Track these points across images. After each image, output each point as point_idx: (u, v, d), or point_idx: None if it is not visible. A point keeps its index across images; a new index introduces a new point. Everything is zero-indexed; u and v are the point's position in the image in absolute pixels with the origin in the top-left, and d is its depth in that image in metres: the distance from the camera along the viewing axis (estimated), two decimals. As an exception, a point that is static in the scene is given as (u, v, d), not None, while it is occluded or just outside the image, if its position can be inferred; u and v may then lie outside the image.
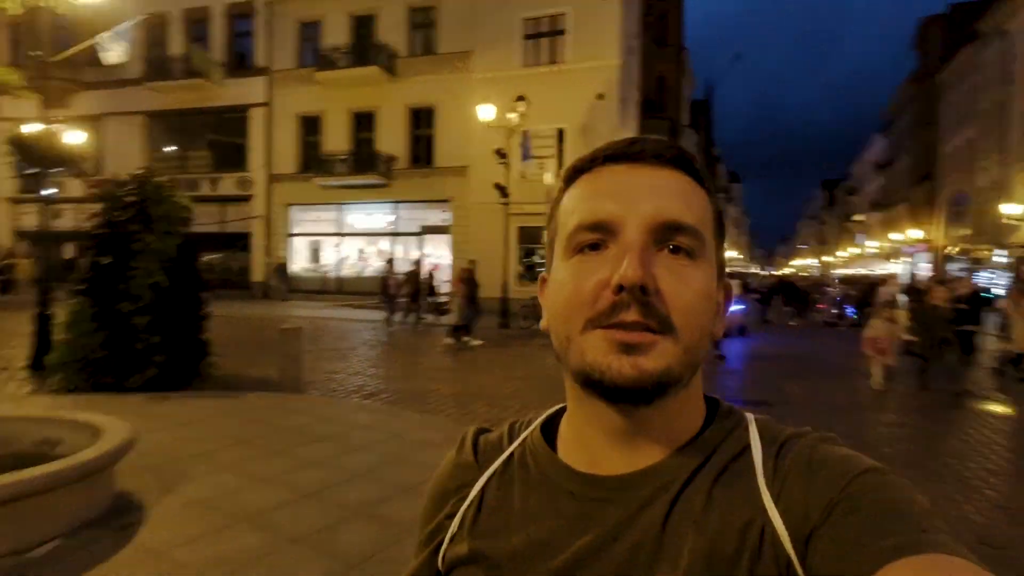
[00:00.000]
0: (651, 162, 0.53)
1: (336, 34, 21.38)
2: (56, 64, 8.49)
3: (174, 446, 4.06)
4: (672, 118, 25.45)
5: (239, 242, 23.20)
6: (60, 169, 8.13)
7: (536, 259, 19.28)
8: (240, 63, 23.35)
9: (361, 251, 22.68)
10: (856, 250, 58.68)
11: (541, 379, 8.26)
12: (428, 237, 21.33)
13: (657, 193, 0.51)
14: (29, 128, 7.68)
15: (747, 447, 0.52)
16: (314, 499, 3.41)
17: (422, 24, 20.82)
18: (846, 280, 32.11)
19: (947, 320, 8.09)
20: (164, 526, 2.85)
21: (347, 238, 22.44)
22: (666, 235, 0.50)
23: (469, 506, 0.59)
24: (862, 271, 47.09)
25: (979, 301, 9.49)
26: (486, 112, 15.73)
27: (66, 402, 5.59)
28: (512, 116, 15.10)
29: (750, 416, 0.56)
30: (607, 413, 0.52)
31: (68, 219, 22.56)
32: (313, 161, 21.60)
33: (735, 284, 13.59)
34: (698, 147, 46.03)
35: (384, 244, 22.11)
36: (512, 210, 16.18)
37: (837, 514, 0.44)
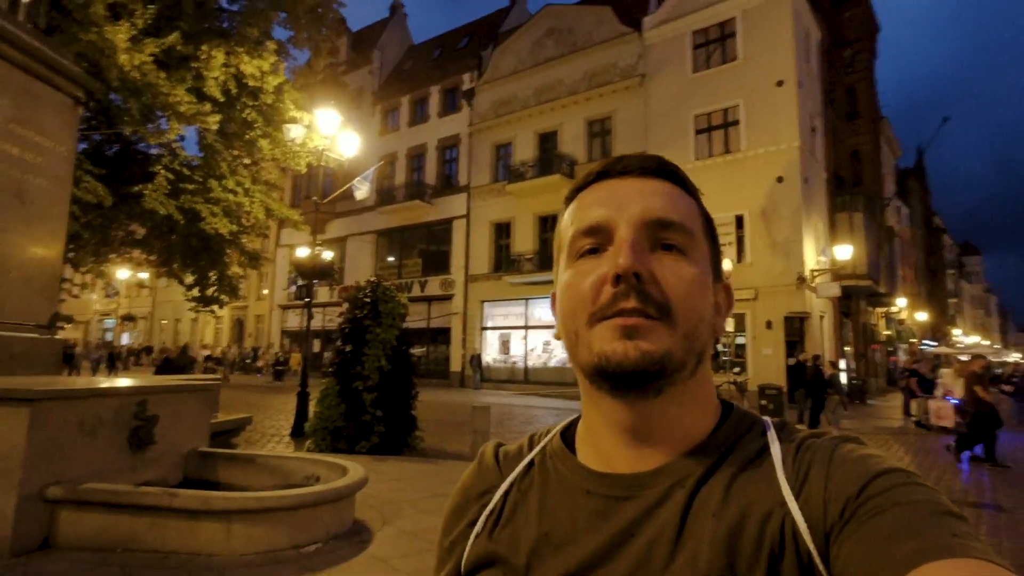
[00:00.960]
0: (637, 173, 0.58)
1: (524, 150, 24.41)
2: (321, 202, 11.38)
3: (390, 494, 5.09)
4: (869, 192, 23.39)
5: (440, 336, 26.39)
6: (321, 280, 10.68)
7: (719, 347, 18.63)
8: (447, 184, 27.72)
9: (547, 343, 24.11)
10: None
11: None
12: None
13: (644, 196, 0.56)
14: (303, 251, 10.36)
15: (765, 446, 0.54)
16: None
17: (599, 133, 22.82)
18: None
19: None
20: (387, 544, 3.76)
21: (533, 331, 24.12)
22: (656, 232, 0.54)
23: (491, 512, 0.61)
24: None
25: None
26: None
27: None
28: (685, 207, 15.53)
29: (767, 419, 0.58)
30: (617, 408, 0.54)
31: (316, 320, 28.02)
32: (504, 261, 24.15)
33: (948, 373, 11.61)
34: (911, 219, 40.72)
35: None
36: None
37: (863, 514, 0.44)
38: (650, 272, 0.52)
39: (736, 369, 17.58)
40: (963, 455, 9.10)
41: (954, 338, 49.36)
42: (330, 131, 10.95)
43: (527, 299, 23.89)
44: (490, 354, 25.07)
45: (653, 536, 0.50)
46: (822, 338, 18.34)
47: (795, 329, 17.42)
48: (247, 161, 11.96)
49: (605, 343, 0.51)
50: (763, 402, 12.86)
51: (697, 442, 0.55)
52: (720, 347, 18.54)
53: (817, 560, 0.45)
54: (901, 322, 31.77)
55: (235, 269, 12.83)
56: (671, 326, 0.51)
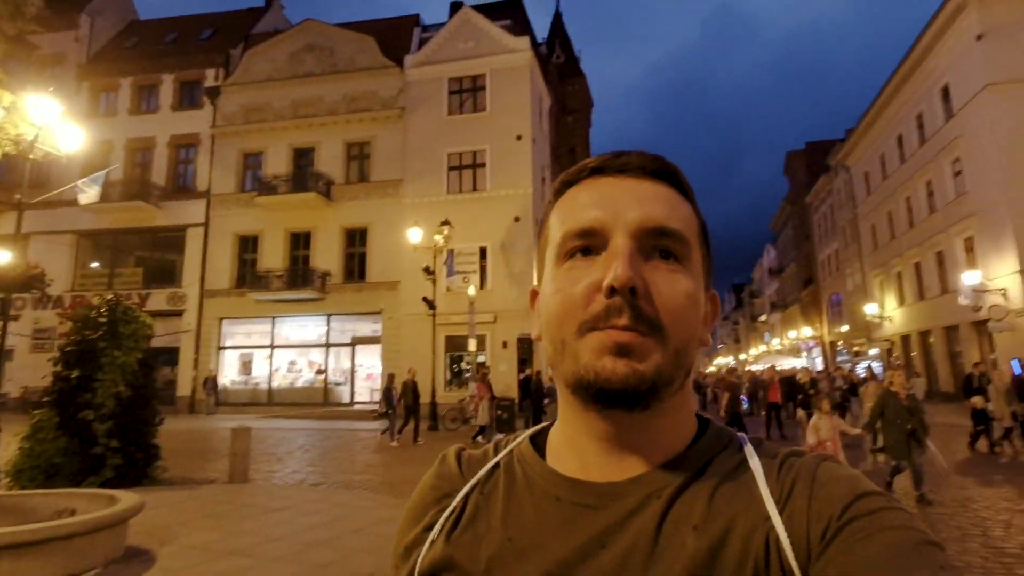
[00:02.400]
0: (636, 173, 0.55)
1: (278, 163, 23.40)
2: (28, 202, 9.62)
3: (156, 520, 4.93)
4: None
5: (165, 356, 23.20)
6: (23, 292, 8.99)
7: (463, 365, 20.64)
8: (181, 187, 24.74)
9: (292, 362, 23.24)
10: (764, 347, 63.87)
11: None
12: (359, 347, 22.34)
13: (642, 201, 0.53)
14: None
15: (744, 460, 0.53)
16: (284, 540, 4.50)
17: (357, 156, 23.31)
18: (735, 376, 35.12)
19: (911, 410, 6.93)
20: (174, 559, 3.88)
21: (279, 350, 23.01)
22: (653, 240, 0.52)
23: (450, 515, 0.57)
24: (761, 367, 51.00)
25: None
26: (415, 235, 17.72)
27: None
28: (438, 238, 17.11)
29: (742, 435, 0.57)
30: (600, 420, 0.52)
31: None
32: (249, 277, 22.61)
33: None
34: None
35: (315, 355, 22.86)
36: (439, 321, 17.72)
37: (846, 537, 0.44)
38: (645, 286, 0.50)
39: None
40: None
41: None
42: (42, 118, 9.37)
43: (274, 317, 22.77)
44: (228, 376, 23.05)
45: (626, 547, 0.48)
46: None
47: (526, 348, 20.39)
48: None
49: (594, 358, 0.49)
50: (499, 412, 14.88)
51: (675, 454, 0.53)
52: (464, 364, 20.56)
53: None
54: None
55: None
56: (662, 342, 0.50)
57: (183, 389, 22.72)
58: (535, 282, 0.62)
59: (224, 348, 23.28)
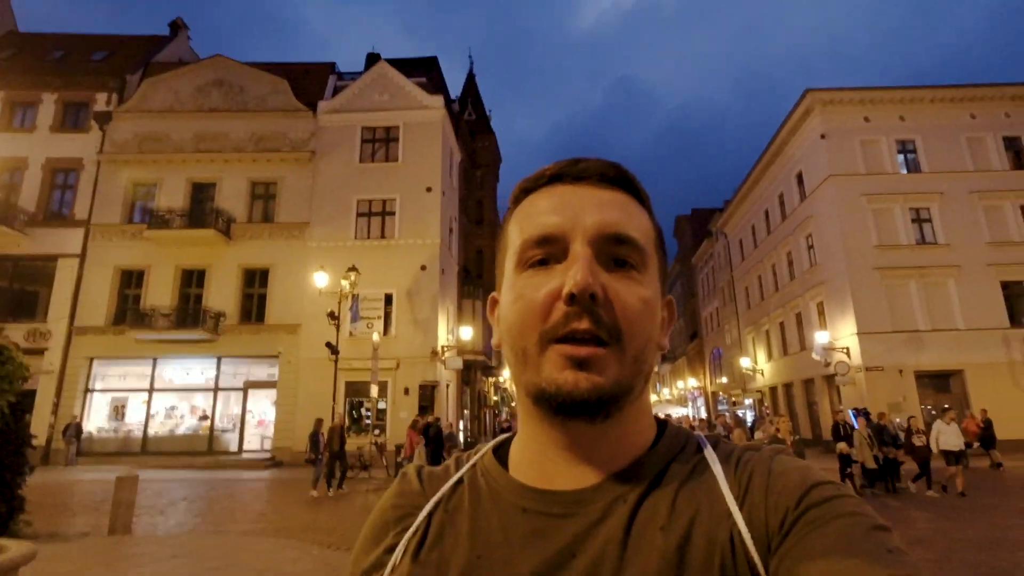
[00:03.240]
0: (594, 181, 0.56)
1: (173, 196, 22.30)
2: None
3: (45, 570, 4.71)
4: (489, 285, 29.51)
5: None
6: None
7: (363, 411, 20.30)
8: (55, 214, 22.78)
9: (172, 407, 21.57)
10: (655, 396, 67.60)
11: (358, 512, 9.39)
12: (252, 391, 21.28)
13: (601, 208, 0.54)
14: None
15: (703, 459, 0.54)
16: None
17: (262, 195, 22.82)
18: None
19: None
20: None
21: (160, 394, 21.33)
22: (611, 247, 0.53)
23: (413, 535, 0.56)
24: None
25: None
26: (321, 279, 17.60)
27: None
28: (345, 283, 17.12)
29: (699, 434, 0.59)
30: (562, 429, 0.53)
31: None
32: (131, 314, 21.01)
33: None
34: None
35: (199, 399, 21.43)
36: (341, 366, 17.49)
37: (803, 526, 0.46)
38: (604, 293, 0.50)
39: (376, 431, 19.40)
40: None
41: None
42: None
43: (156, 358, 21.18)
44: (95, 422, 20.91)
45: (597, 554, 0.49)
46: (447, 403, 21.91)
47: (427, 395, 20.47)
48: None
49: (556, 371, 0.50)
50: (399, 458, 14.85)
51: (636, 457, 0.54)
52: (364, 411, 20.22)
53: (761, 571, 0.46)
54: (505, 389, 39.62)
55: None
56: (621, 352, 0.50)
57: (38, 438, 20.24)
58: (496, 291, 0.61)
59: (93, 391, 21.19)
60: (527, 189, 0.59)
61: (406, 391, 20.17)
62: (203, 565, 5.15)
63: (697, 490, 0.52)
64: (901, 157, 23.32)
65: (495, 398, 36.57)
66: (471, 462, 0.62)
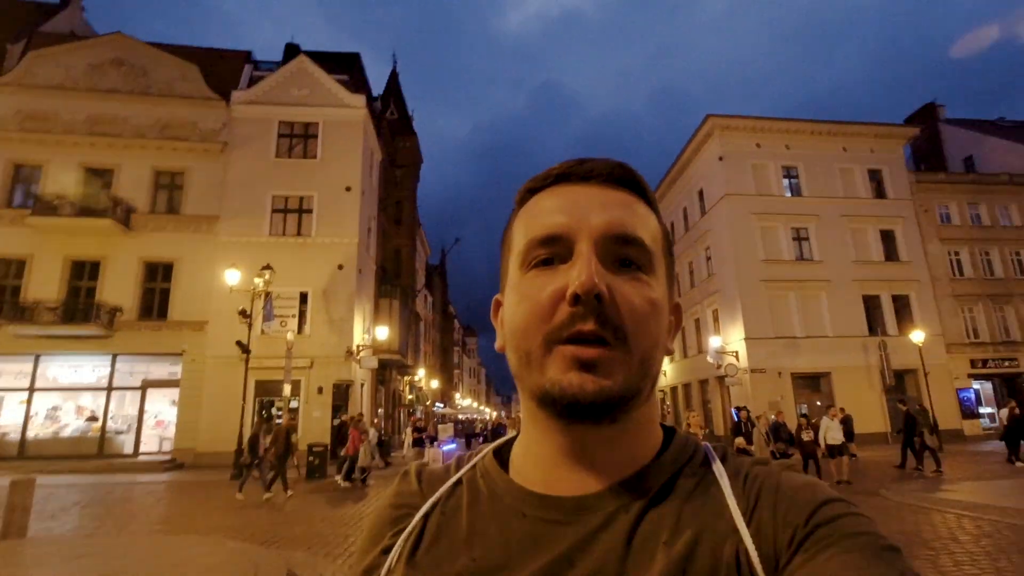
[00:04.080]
0: (601, 180, 0.55)
1: (62, 181, 20.65)
2: None
3: None
4: (405, 284, 29.57)
5: None
6: None
7: (274, 411, 19.88)
8: (-82, 193, 20.43)
9: (55, 408, 19.99)
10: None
11: (266, 511, 9.47)
12: (151, 391, 20.19)
13: (607, 208, 0.53)
14: None
15: (711, 472, 0.53)
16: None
17: (168, 185, 21.66)
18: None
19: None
20: None
21: (41, 393, 19.71)
22: (617, 248, 0.52)
23: (408, 536, 0.56)
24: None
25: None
26: (232, 276, 17.11)
27: None
28: (258, 281, 16.76)
29: (707, 444, 0.57)
30: (565, 433, 0.52)
31: None
32: (8, 307, 19.27)
33: (448, 427, 16.65)
34: (434, 307, 51.84)
35: (86, 399, 20.04)
36: (252, 364, 17.11)
37: (812, 545, 0.45)
38: (611, 293, 0.50)
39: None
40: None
41: (456, 400, 63.61)
42: None
43: (38, 354, 19.57)
44: (-39, 426, 18.98)
45: (595, 565, 0.48)
46: (362, 402, 21.86)
47: (342, 394, 20.37)
48: None
49: (560, 373, 0.49)
50: (311, 459, 14.83)
51: (642, 466, 0.53)
52: (275, 410, 19.79)
53: None
54: (420, 388, 39.64)
55: None
56: (627, 354, 0.50)
57: None
58: (499, 292, 0.60)
59: (-41, 392, 19.24)
60: (532, 189, 0.59)
61: (320, 390, 19.97)
62: (114, 564, 5.22)
63: (703, 504, 0.50)
64: (786, 181, 26.01)
65: (410, 397, 36.59)
66: (471, 463, 0.62)
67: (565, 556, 0.49)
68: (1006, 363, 25.39)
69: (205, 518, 9.43)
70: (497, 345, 0.58)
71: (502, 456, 0.60)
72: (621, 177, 0.56)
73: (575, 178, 0.56)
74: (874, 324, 24.55)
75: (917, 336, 21.83)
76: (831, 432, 12.70)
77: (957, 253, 26.43)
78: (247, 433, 14.76)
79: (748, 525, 0.48)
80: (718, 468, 0.54)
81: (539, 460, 0.55)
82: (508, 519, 0.53)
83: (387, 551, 0.56)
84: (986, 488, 10.70)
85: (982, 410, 25.06)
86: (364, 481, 13.81)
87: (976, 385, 25.29)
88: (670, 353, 0.56)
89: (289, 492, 11.83)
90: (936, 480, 12.20)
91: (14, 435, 19.10)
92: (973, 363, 25.15)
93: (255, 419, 13.00)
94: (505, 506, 0.54)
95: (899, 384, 23.56)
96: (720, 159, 25.40)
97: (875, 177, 26.53)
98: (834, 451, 12.45)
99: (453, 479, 0.60)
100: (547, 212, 0.54)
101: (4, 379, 19.63)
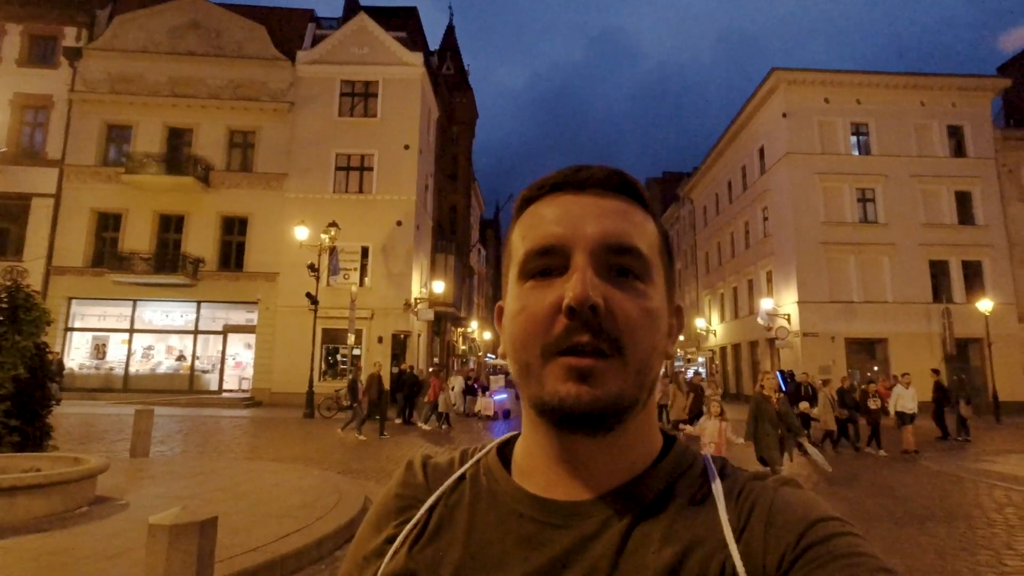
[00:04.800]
0: (596, 189, 0.55)
1: (150, 141, 22.40)
2: None
3: (102, 480, 5.90)
4: (460, 240, 30.49)
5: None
6: None
7: (339, 357, 21.55)
8: (28, 152, 22.66)
9: (149, 347, 22.40)
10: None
11: (333, 447, 10.76)
12: (231, 336, 22.24)
13: (603, 217, 0.53)
14: None
15: (707, 483, 0.53)
16: (227, 490, 5.77)
17: (241, 144, 23.08)
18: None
19: (781, 415, 7.50)
20: (142, 503, 5.05)
21: (139, 334, 22.10)
22: (613, 257, 0.52)
23: (413, 527, 0.57)
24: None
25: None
26: (301, 233, 18.42)
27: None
28: (324, 237, 17.98)
29: (706, 454, 0.58)
30: (563, 441, 0.53)
31: None
32: (108, 256, 21.48)
33: (500, 379, 17.64)
34: (487, 260, 52.91)
35: (175, 340, 22.30)
36: (318, 314, 18.58)
37: (802, 566, 0.44)
38: (606, 304, 0.50)
39: (350, 376, 20.66)
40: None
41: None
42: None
43: (135, 300, 21.85)
44: (76, 359, 21.66)
45: (587, 570, 0.49)
46: (418, 351, 23.28)
47: (400, 343, 21.79)
48: None
49: (558, 383, 0.50)
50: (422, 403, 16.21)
51: (638, 473, 0.54)
52: (340, 357, 21.46)
53: None
54: (473, 340, 41.26)
55: None
56: (623, 364, 0.50)
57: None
58: (502, 299, 0.61)
59: (72, 329, 21.84)
60: (529, 199, 0.59)
61: (380, 340, 21.43)
62: (223, 481, 6.42)
63: (696, 517, 0.51)
64: (854, 139, 24.84)
65: (463, 347, 38.19)
66: (475, 458, 0.63)
67: (559, 559, 0.50)
68: (1085, 335, 24.02)
69: (288, 448, 10.84)
70: (500, 352, 0.59)
71: (505, 454, 0.62)
72: (617, 184, 0.56)
73: (571, 187, 0.56)
74: (940, 290, 23.64)
75: (984, 305, 20.96)
76: (903, 400, 12.05)
77: (1041, 217, 24.76)
78: (316, 376, 16.16)
79: (738, 542, 0.48)
80: (714, 480, 0.54)
81: (538, 464, 0.56)
82: (506, 519, 0.54)
83: (390, 540, 0.58)
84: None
85: (1053, 383, 24.00)
86: (447, 423, 15.05)
87: (1049, 357, 24.13)
88: (670, 357, 0.57)
89: (385, 434, 12.78)
90: (980, 452, 12.19)
91: (119, 370, 21.66)
92: (1048, 334, 23.93)
93: (379, 369, 14.05)
94: (504, 506, 0.56)
95: (962, 353, 22.85)
96: (784, 115, 24.45)
97: (955, 134, 24.90)
98: (904, 419, 11.83)
99: (457, 474, 0.61)
100: (543, 223, 0.55)
101: (108, 321, 22.11)
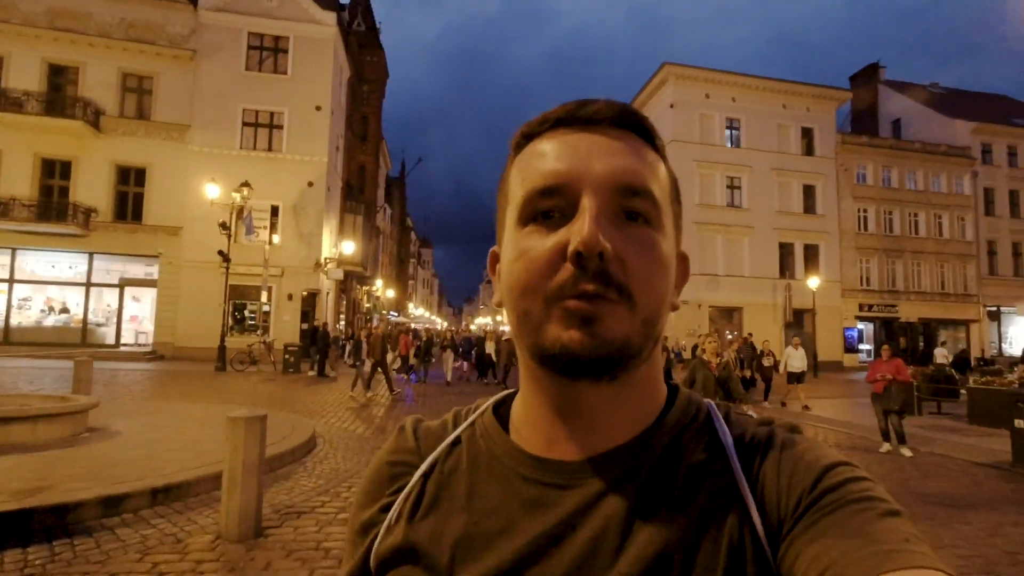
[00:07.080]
0: (605, 125, 0.51)
1: (27, 77, 20.70)
2: None
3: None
4: (369, 199, 30.96)
5: None
6: None
7: (247, 313, 21.84)
8: None
9: (26, 299, 21.23)
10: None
11: (263, 394, 11.84)
12: (128, 290, 21.66)
13: (612, 156, 0.49)
14: None
15: (715, 433, 0.52)
16: (199, 421, 6.91)
17: (136, 89, 21.93)
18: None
19: (721, 380, 6.76)
20: (133, 431, 6.14)
21: (20, 284, 20.87)
22: (623, 199, 0.48)
23: (407, 496, 0.55)
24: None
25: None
26: (212, 191, 18.40)
27: None
28: (236, 196, 18.13)
29: (710, 402, 0.56)
30: (565, 392, 0.50)
31: None
32: (-20, 201, 19.91)
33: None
34: (392, 218, 53.05)
35: (65, 293, 21.35)
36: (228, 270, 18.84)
37: (817, 510, 0.44)
38: (614, 250, 0.46)
39: (260, 331, 21.17)
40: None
41: (410, 310, 66.43)
42: None
43: (14, 248, 20.54)
44: (-58, 311, 20.13)
45: (598, 529, 0.47)
46: (327, 309, 24.01)
47: (309, 301, 22.44)
48: None
49: (560, 329, 0.46)
50: (287, 356, 17.15)
51: (645, 427, 0.52)
52: (248, 313, 21.76)
53: (769, 555, 0.44)
54: (378, 298, 41.92)
55: None
56: (631, 309, 0.47)
57: None
58: (496, 245, 0.57)
59: (-64, 279, 20.19)
60: (529, 134, 0.54)
61: (290, 297, 21.95)
62: (193, 414, 7.53)
63: (707, 467, 0.49)
64: (728, 132, 28.31)
65: (368, 305, 38.90)
66: (469, 419, 0.60)
67: (567, 520, 0.48)
68: (888, 308, 29.78)
69: (219, 395, 11.72)
70: (494, 300, 0.56)
71: (502, 413, 0.59)
72: (627, 120, 0.52)
73: (576, 122, 0.51)
74: (785, 268, 28.10)
75: (813, 282, 25.44)
76: (792, 360, 13.23)
77: (865, 210, 29.93)
78: (226, 331, 16.56)
79: (753, 489, 0.47)
80: (722, 429, 0.52)
81: (538, 422, 0.53)
82: (508, 482, 0.52)
83: (385, 509, 0.56)
84: (830, 406, 13.88)
85: (861, 347, 29.65)
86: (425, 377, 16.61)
87: (861, 326, 29.70)
88: (676, 308, 0.54)
89: (396, 390, 13.22)
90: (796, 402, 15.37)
91: (-2, 322, 20.43)
92: (861, 307, 29.39)
93: (383, 329, 14.57)
94: (505, 468, 0.53)
95: (798, 320, 27.49)
96: (671, 106, 27.29)
97: (807, 135, 29.16)
98: (793, 377, 13.13)
99: (451, 437, 0.58)
100: (546, 161, 0.50)
101: (-20, 270, 20.61)
